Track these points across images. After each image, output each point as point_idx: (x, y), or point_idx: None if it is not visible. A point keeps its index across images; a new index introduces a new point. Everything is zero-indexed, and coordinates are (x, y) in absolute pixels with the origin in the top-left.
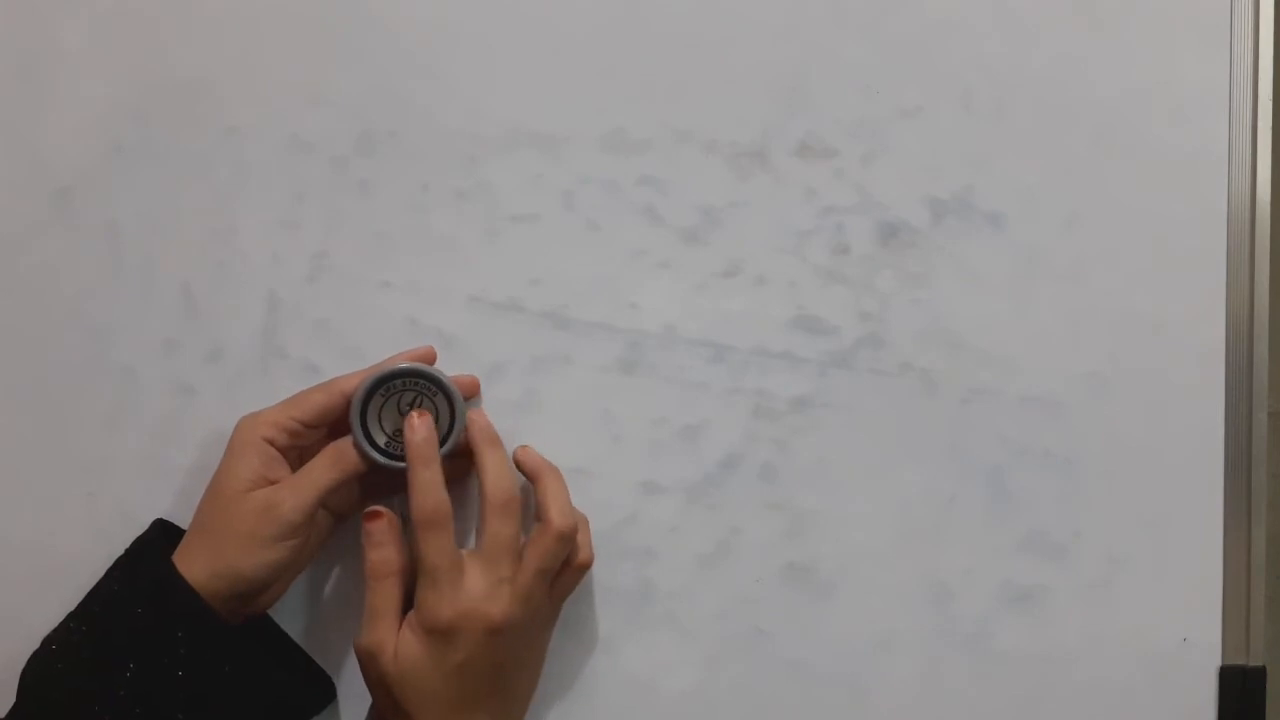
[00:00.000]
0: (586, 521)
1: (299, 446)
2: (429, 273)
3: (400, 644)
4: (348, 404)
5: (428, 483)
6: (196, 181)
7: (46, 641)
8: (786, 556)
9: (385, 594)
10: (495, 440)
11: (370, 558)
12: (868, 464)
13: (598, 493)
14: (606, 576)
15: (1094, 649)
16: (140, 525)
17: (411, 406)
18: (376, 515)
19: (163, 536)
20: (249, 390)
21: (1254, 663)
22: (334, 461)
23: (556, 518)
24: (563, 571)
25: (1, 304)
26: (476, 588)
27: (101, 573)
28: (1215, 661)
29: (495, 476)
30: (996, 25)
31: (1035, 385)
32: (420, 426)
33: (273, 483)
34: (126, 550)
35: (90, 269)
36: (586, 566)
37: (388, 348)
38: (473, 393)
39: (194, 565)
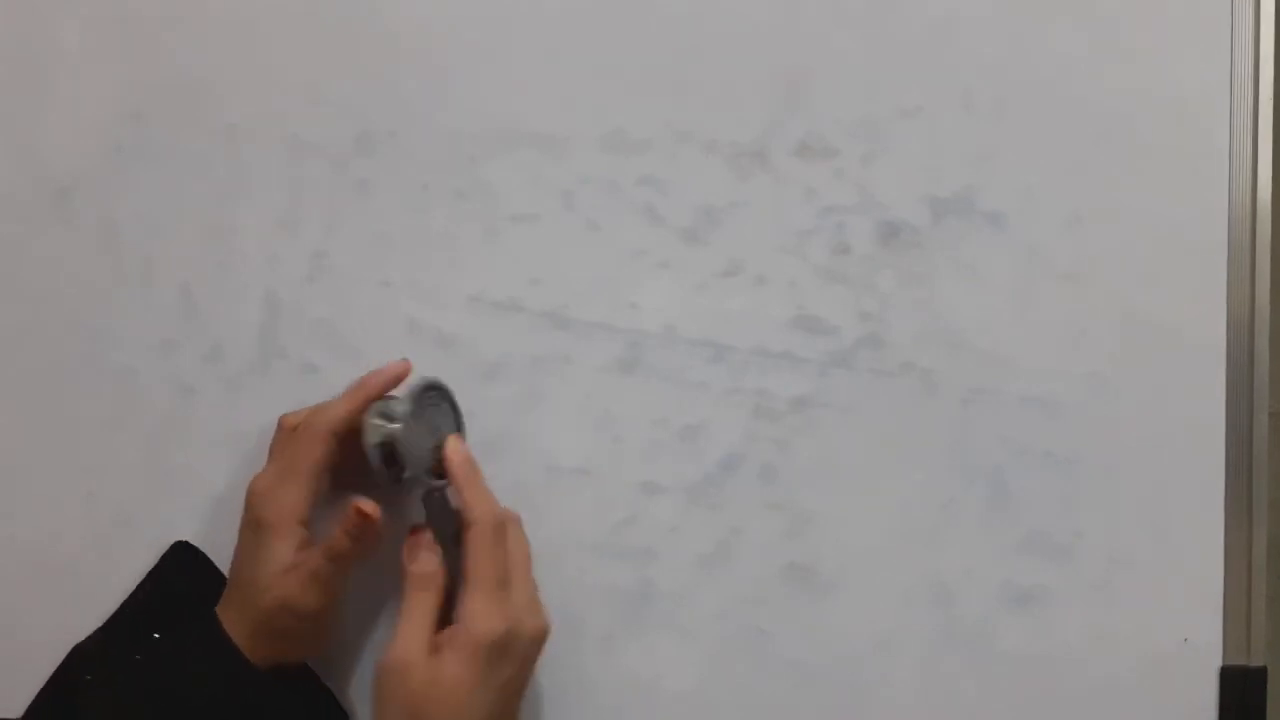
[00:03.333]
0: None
1: None
2: (429, 273)
3: (441, 662)
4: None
5: (485, 493)
6: (196, 181)
7: (80, 670)
8: (786, 556)
9: (425, 608)
10: (475, 466)
11: (413, 570)
12: (868, 464)
13: (598, 493)
14: (606, 576)
15: (1095, 649)
16: (140, 526)
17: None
18: (421, 529)
19: (196, 575)
20: (249, 390)
21: (1255, 663)
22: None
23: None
24: None
25: (1, 304)
26: (520, 599)
27: (101, 572)
28: (1216, 662)
29: (487, 499)
30: (996, 25)
31: (1035, 385)
32: (461, 446)
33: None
34: (172, 595)
35: (90, 269)
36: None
37: (387, 347)
38: (404, 373)
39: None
